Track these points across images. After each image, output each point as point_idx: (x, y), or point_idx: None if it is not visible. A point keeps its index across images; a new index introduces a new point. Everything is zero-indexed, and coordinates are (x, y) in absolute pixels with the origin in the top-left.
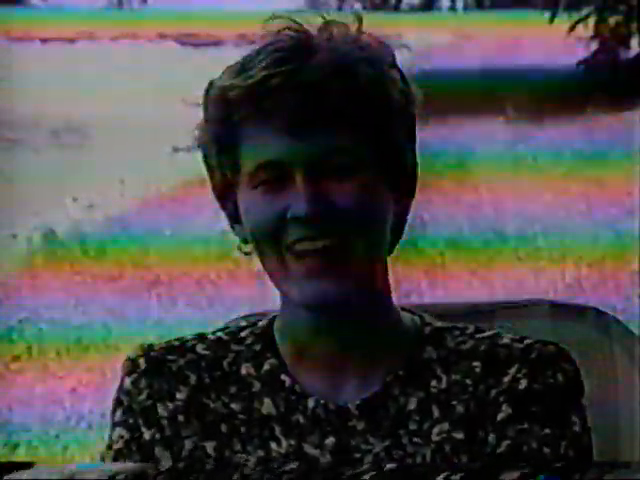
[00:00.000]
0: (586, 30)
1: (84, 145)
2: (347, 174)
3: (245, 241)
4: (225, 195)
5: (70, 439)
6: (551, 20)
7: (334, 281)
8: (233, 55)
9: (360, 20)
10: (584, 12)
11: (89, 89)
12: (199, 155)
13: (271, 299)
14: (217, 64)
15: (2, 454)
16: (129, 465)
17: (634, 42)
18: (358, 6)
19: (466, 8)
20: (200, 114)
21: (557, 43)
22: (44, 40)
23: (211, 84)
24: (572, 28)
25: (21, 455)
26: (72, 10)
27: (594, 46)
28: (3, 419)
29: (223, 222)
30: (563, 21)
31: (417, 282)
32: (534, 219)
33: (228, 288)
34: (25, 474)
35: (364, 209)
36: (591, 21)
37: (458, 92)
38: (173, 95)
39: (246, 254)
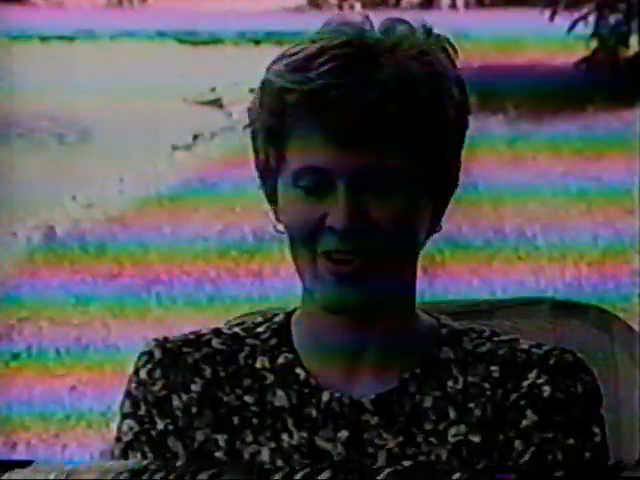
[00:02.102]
0: (586, 29)
1: (83, 144)
2: (391, 191)
3: (279, 219)
4: (266, 175)
5: (69, 438)
6: (551, 19)
7: (362, 290)
8: (232, 54)
9: (429, 31)
10: (584, 11)
11: (88, 88)
12: (198, 154)
13: (270, 298)
14: (217, 63)
15: (1, 453)
16: (127, 462)
17: (634, 41)
18: (358, 4)
19: (467, 6)
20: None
21: (557, 42)
22: (43, 38)
23: (269, 70)
24: (572, 27)
25: (20, 454)
26: (72, 8)
27: (594, 45)
28: (2, 417)
29: (221, 221)
30: (563, 20)
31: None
32: (534, 218)
33: (227, 287)
34: (23, 473)
35: (404, 228)
36: (591, 20)
37: None
38: (173, 94)
39: (280, 232)
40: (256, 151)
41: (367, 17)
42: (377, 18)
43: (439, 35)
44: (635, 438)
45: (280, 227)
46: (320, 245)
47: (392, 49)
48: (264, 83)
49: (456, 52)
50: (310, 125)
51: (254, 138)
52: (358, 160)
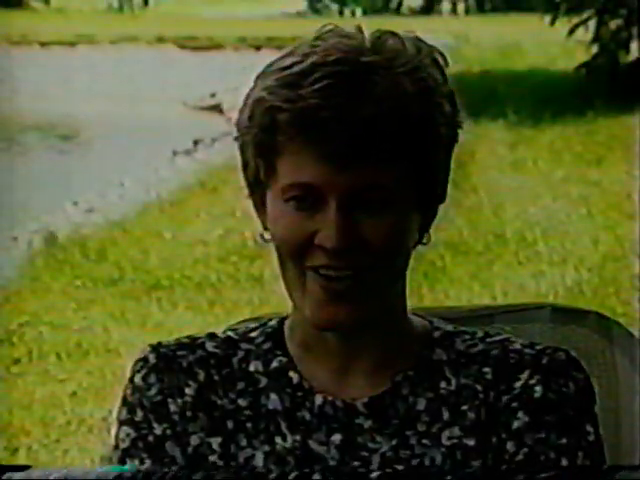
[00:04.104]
0: (586, 33)
1: (84, 149)
2: (383, 209)
3: (267, 228)
4: (254, 186)
5: (70, 443)
6: (552, 23)
7: (351, 307)
8: (233, 59)
9: (419, 47)
10: (584, 15)
11: (89, 93)
12: (199, 159)
13: (271, 302)
14: (217, 68)
15: (2, 458)
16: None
17: (634, 46)
18: (359, 10)
19: (467, 11)
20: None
21: (557, 46)
22: (44, 44)
23: (259, 82)
24: (572, 31)
25: (21, 459)
26: (72, 14)
27: (594, 50)
28: (3, 422)
29: (222, 226)
30: (563, 24)
31: (417, 285)
32: (534, 222)
33: (228, 291)
34: (18, 475)
35: (395, 244)
36: (591, 25)
37: (458, 95)
38: (173, 99)
39: (267, 241)
40: (245, 162)
41: (360, 29)
42: (375, 24)
43: (430, 46)
44: (635, 443)
45: (267, 236)
46: (308, 260)
47: (384, 66)
48: (255, 100)
49: (447, 62)
50: (302, 143)
51: (243, 150)
52: (350, 179)
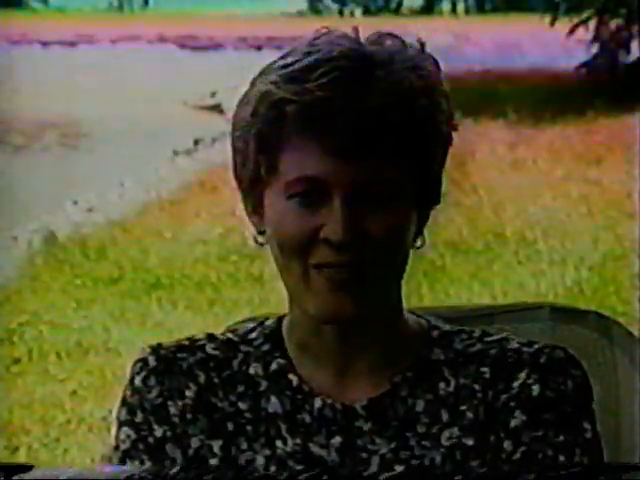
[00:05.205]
0: (586, 33)
1: (84, 148)
2: (386, 203)
3: (260, 232)
4: (251, 186)
5: (70, 442)
6: (552, 23)
7: (353, 299)
8: (233, 58)
9: (422, 45)
10: (585, 15)
11: (89, 92)
12: (199, 159)
13: (271, 302)
14: (217, 67)
15: (2, 457)
16: (134, 468)
17: (634, 45)
18: (359, 9)
19: (467, 11)
20: (206, 116)
21: (557, 46)
22: (44, 43)
23: (260, 79)
24: (572, 31)
25: (21, 458)
26: (73, 13)
27: (594, 49)
28: (3, 421)
29: (222, 225)
30: (564, 24)
31: (417, 285)
32: (534, 222)
33: (228, 291)
34: (25, 476)
35: (395, 239)
36: (592, 24)
37: (458, 95)
38: (173, 98)
39: (261, 244)
40: (243, 161)
41: (356, 30)
42: (377, 24)
43: (427, 52)
44: (635, 442)
45: (261, 239)
46: (313, 257)
47: (387, 61)
48: (260, 94)
49: (440, 69)
50: (308, 136)
51: (241, 148)
52: (355, 172)
